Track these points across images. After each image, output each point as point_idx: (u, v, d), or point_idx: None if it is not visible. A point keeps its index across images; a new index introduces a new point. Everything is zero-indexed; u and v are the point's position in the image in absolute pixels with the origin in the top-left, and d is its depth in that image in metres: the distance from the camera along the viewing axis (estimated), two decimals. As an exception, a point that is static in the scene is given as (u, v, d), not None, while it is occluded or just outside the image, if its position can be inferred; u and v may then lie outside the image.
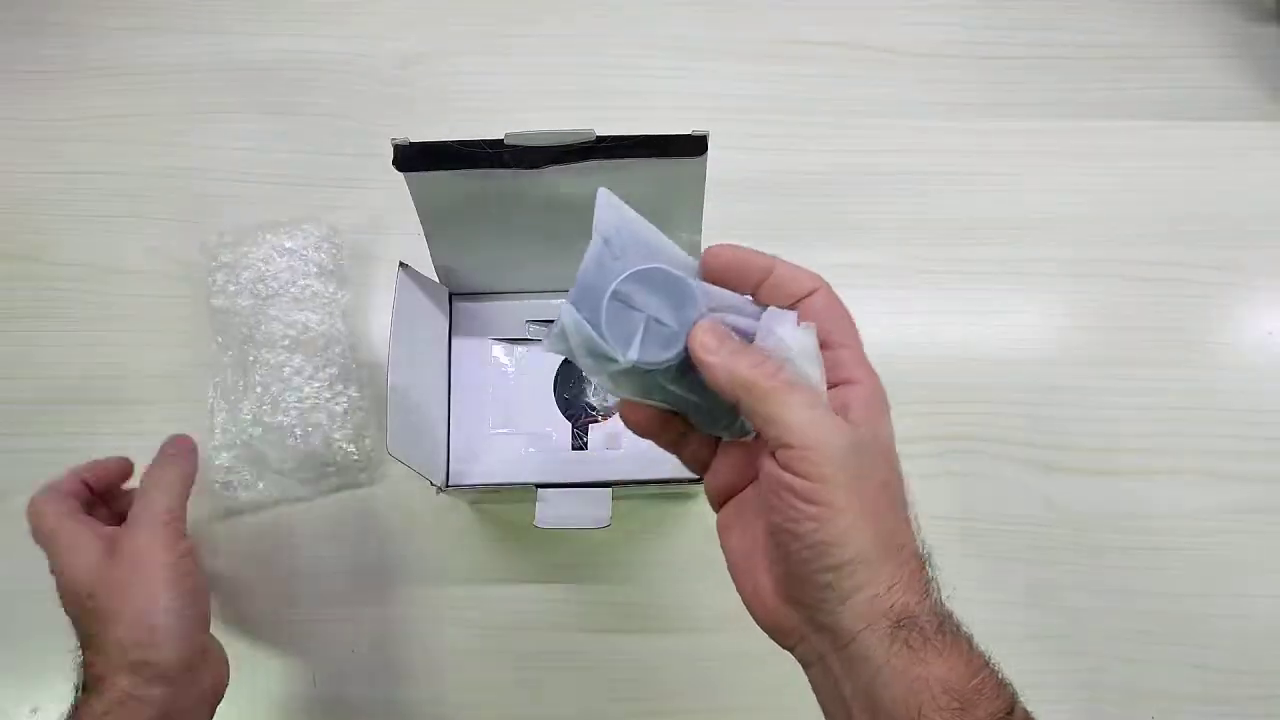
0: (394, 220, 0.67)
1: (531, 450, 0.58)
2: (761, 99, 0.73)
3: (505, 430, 0.58)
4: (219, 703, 0.50)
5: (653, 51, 0.74)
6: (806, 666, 0.37)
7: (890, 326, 0.66)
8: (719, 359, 0.35)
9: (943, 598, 0.36)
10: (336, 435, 0.62)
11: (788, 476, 0.33)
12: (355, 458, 0.62)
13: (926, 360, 0.65)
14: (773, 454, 0.34)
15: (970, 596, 0.60)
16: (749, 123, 0.72)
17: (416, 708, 0.59)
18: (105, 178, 0.71)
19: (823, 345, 0.37)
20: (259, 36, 0.75)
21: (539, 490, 0.52)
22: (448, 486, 0.56)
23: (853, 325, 0.39)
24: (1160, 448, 0.64)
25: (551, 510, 0.51)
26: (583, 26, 0.75)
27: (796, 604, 0.36)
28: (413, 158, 0.48)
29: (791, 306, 0.37)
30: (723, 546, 0.39)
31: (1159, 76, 0.73)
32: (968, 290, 0.67)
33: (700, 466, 0.41)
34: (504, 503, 0.62)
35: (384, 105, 0.73)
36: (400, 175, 0.49)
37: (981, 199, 0.70)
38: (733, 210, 0.67)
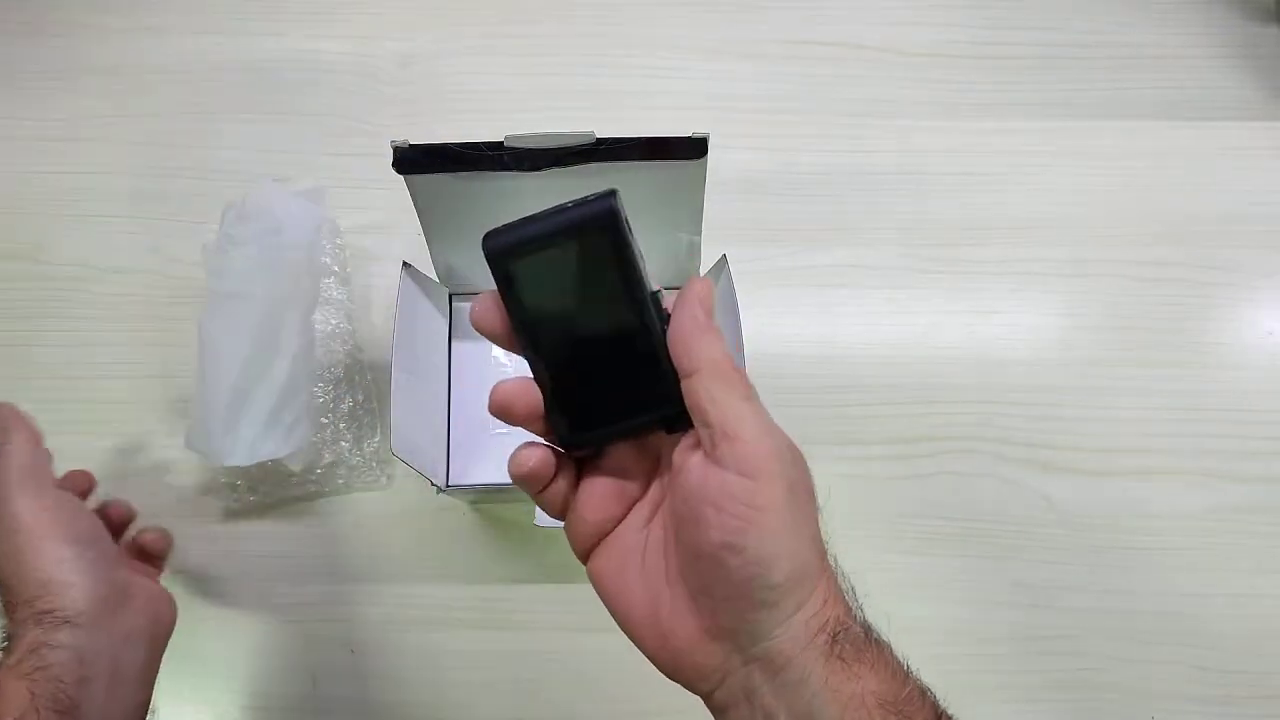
0: (395, 220, 0.67)
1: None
2: (761, 99, 0.73)
3: (505, 431, 0.58)
4: (165, 638, 0.50)
5: (653, 51, 0.74)
6: (725, 710, 0.33)
7: (890, 326, 0.66)
8: (714, 330, 0.32)
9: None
10: (340, 436, 0.62)
11: (732, 477, 0.31)
12: (358, 458, 0.62)
13: (926, 360, 0.65)
14: (708, 454, 0.31)
15: (970, 597, 0.61)
16: (749, 123, 0.72)
17: (415, 708, 0.59)
18: (105, 178, 0.71)
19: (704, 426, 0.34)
20: (259, 37, 0.75)
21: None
22: (448, 486, 0.56)
23: (743, 405, 0.33)
24: (1160, 448, 0.64)
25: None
26: (583, 26, 0.75)
27: (725, 637, 0.32)
28: (412, 160, 0.48)
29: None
30: (605, 597, 0.35)
31: (1159, 76, 0.73)
32: (968, 290, 0.67)
33: (558, 507, 0.36)
34: (504, 503, 0.62)
35: (384, 105, 0.73)
36: (400, 176, 0.49)
37: (981, 199, 0.70)
38: (733, 210, 0.67)
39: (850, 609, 0.32)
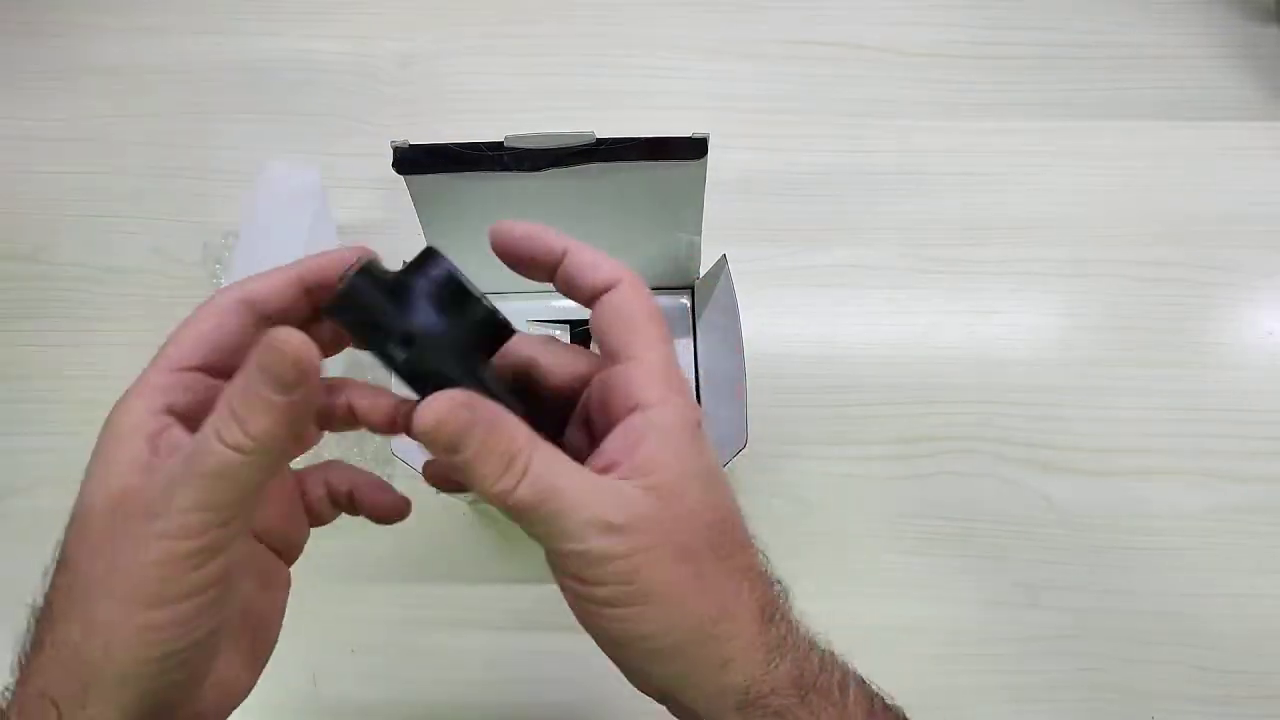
0: (395, 220, 0.67)
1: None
2: (761, 99, 0.73)
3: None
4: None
5: (653, 51, 0.74)
6: None
7: (890, 326, 0.66)
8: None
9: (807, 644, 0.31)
10: (341, 436, 0.62)
11: (586, 589, 0.28)
12: (359, 458, 0.62)
13: (926, 360, 0.65)
14: (552, 560, 0.29)
15: (970, 597, 0.61)
16: (749, 123, 0.72)
17: (415, 708, 0.59)
18: (105, 178, 0.71)
19: (611, 358, 0.30)
20: (259, 36, 0.75)
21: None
22: (448, 487, 0.56)
23: (654, 328, 0.30)
24: (1160, 448, 0.64)
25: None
26: (583, 26, 0.75)
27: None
28: (412, 160, 0.48)
29: (589, 303, 0.31)
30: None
31: (1159, 76, 0.73)
32: (968, 290, 0.67)
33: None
34: (504, 503, 0.62)
35: (384, 105, 0.73)
36: (400, 176, 0.49)
37: (981, 199, 0.70)
38: (733, 210, 0.67)
39: (768, 664, 0.29)
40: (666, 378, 0.29)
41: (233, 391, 0.26)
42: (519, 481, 0.27)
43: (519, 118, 0.71)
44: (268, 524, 0.34)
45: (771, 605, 0.30)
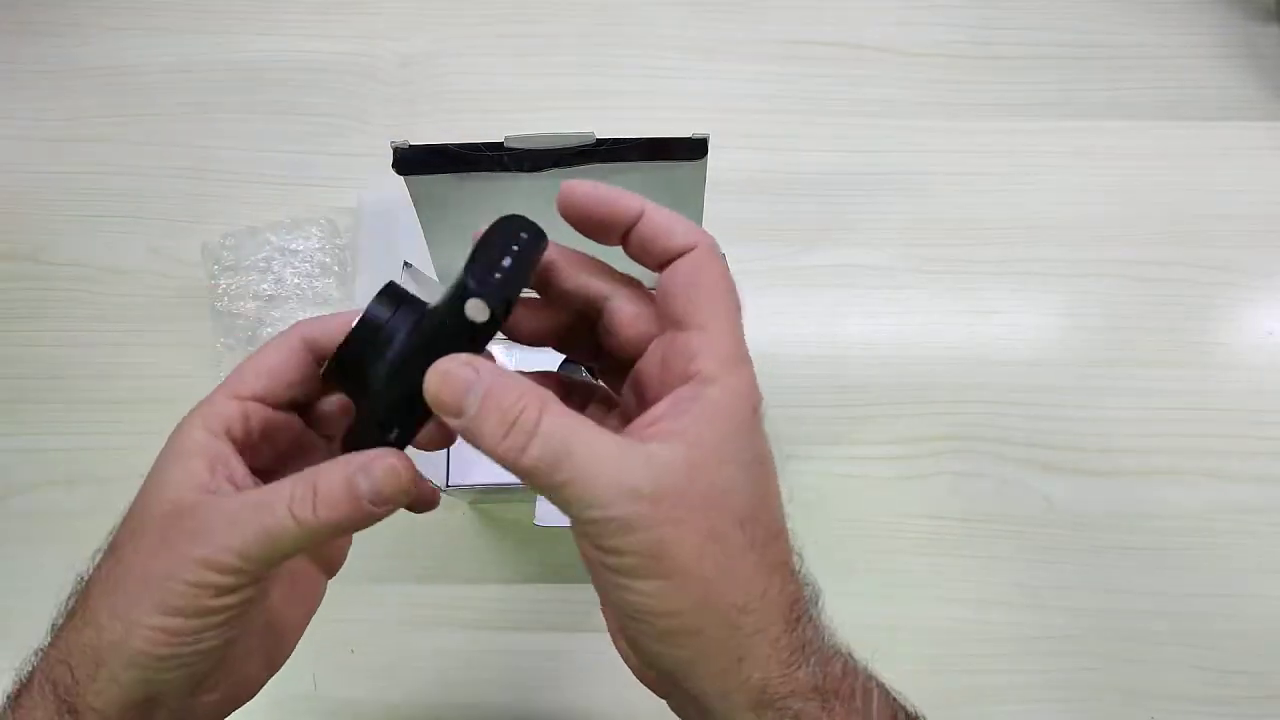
0: (395, 221, 0.67)
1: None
2: (761, 99, 0.73)
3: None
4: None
5: (653, 51, 0.74)
6: None
7: (890, 326, 0.66)
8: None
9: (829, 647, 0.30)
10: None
11: (607, 558, 0.27)
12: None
13: (926, 360, 0.65)
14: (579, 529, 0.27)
15: (970, 597, 0.61)
16: (749, 123, 0.72)
17: (415, 708, 0.59)
18: (105, 178, 0.71)
19: (675, 325, 0.29)
20: (259, 36, 0.75)
21: (539, 490, 0.52)
22: (448, 486, 0.56)
23: (726, 301, 0.29)
24: (1160, 448, 0.64)
25: (551, 509, 0.51)
26: (583, 26, 0.75)
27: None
28: (412, 161, 0.48)
29: (660, 268, 0.30)
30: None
31: (1159, 76, 0.73)
32: (968, 290, 0.67)
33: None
34: (504, 503, 0.62)
35: (384, 105, 0.73)
36: (401, 176, 0.49)
37: (981, 199, 0.70)
38: (733, 210, 0.67)
39: (791, 666, 0.28)
40: (731, 353, 0.28)
41: (324, 474, 0.28)
42: (529, 440, 0.26)
43: (519, 118, 0.71)
44: None
45: (800, 605, 0.29)
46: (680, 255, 0.29)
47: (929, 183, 0.70)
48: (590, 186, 0.30)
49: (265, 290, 0.64)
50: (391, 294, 0.31)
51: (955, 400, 0.64)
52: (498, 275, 0.28)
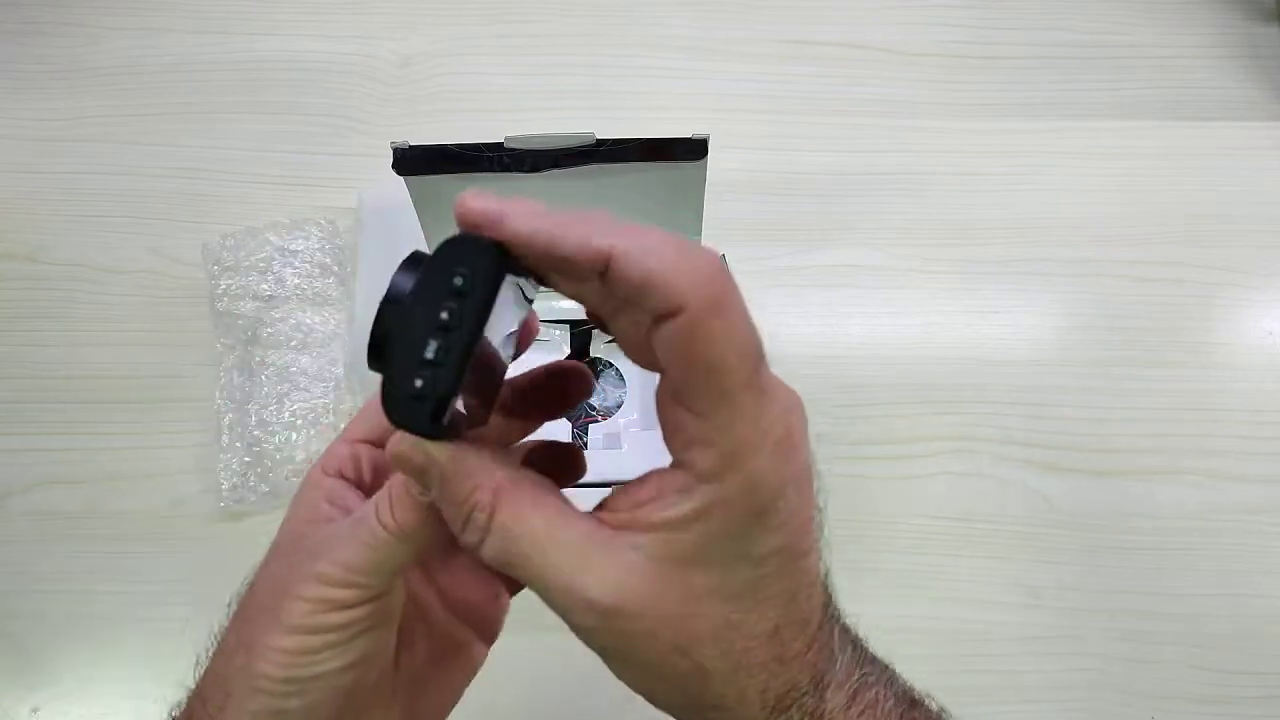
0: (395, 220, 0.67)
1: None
2: (761, 99, 0.73)
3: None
4: None
5: (653, 51, 0.74)
6: None
7: (890, 326, 0.66)
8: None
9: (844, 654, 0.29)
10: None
11: (584, 639, 0.28)
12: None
13: (926, 360, 0.65)
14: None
15: (970, 596, 0.61)
16: (749, 123, 0.72)
17: (417, 708, 0.59)
18: (105, 178, 0.71)
19: (674, 396, 0.25)
20: (259, 36, 0.75)
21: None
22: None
23: (730, 378, 0.24)
24: (1160, 448, 0.64)
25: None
26: (583, 26, 0.75)
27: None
28: (412, 161, 0.48)
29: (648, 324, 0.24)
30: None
31: (1159, 76, 0.73)
32: (968, 290, 0.67)
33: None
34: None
35: (384, 105, 0.73)
36: (401, 177, 0.49)
37: (981, 199, 0.70)
38: (733, 210, 0.67)
39: (816, 668, 0.28)
40: (736, 447, 0.24)
41: (393, 482, 0.29)
42: (483, 536, 0.26)
43: (519, 118, 0.71)
44: (461, 595, 0.36)
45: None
46: (667, 318, 0.23)
47: (929, 183, 0.70)
48: (523, 207, 0.23)
49: (265, 290, 0.64)
50: (415, 262, 0.25)
51: (955, 400, 0.64)
52: (418, 382, 0.22)
